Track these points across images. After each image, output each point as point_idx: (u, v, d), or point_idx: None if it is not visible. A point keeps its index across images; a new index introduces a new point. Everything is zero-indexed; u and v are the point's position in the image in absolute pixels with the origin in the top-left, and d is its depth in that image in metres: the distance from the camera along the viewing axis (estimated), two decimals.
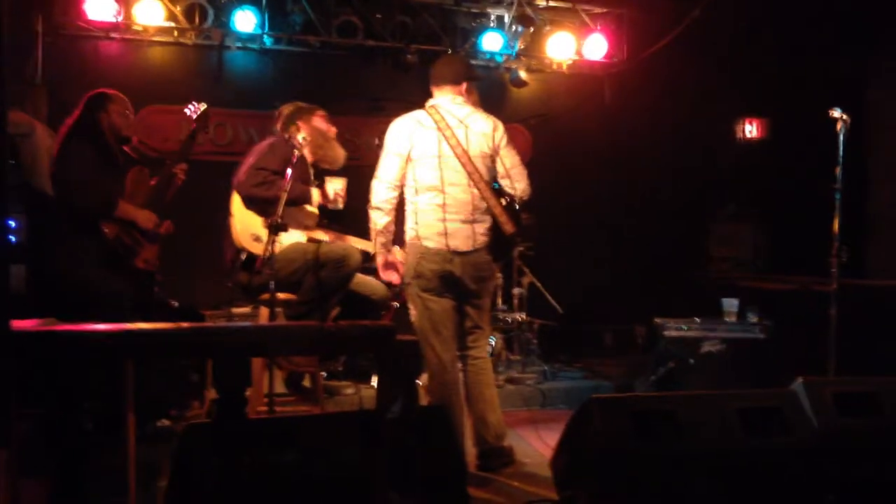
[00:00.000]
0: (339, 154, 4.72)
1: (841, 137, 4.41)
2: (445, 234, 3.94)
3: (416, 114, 4.07)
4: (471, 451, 4.02)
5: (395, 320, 5.35)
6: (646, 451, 2.89)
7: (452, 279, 3.97)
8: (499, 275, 5.46)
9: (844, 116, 4.40)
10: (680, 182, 7.66)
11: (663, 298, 6.40)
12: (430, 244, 3.95)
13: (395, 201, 4.01)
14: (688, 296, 6.51)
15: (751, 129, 8.31)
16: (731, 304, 5.57)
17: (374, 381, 5.30)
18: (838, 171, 4.46)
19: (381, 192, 4.00)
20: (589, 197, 7.69)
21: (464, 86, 4.14)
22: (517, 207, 4.09)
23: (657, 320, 5.52)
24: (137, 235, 4.22)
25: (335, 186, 4.55)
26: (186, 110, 4.63)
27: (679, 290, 6.86)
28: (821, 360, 4.44)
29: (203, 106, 4.60)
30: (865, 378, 3.35)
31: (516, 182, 4.11)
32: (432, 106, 4.08)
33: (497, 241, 4.06)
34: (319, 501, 2.39)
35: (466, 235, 3.97)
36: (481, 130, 4.06)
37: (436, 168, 3.95)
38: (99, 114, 4.26)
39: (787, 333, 5.47)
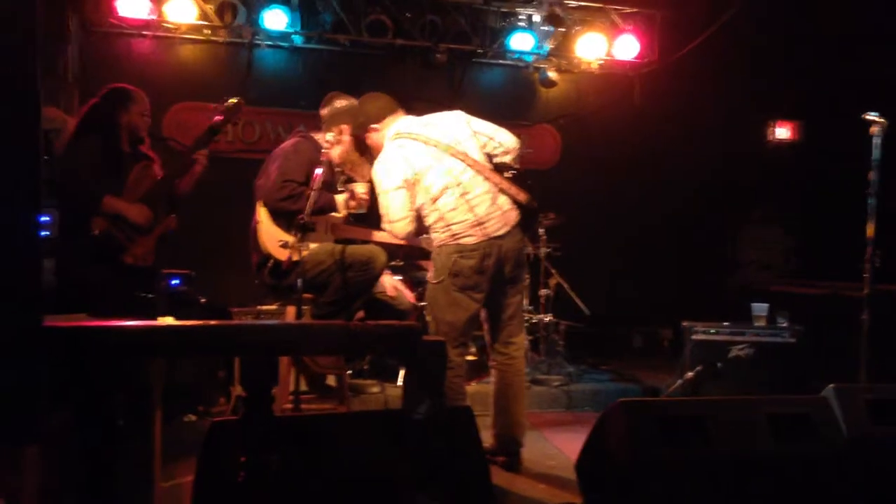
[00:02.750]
0: (369, 172, 4.46)
1: (877, 141, 4.35)
2: (480, 223, 3.92)
3: (390, 147, 4.06)
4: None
5: (420, 320, 5.36)
6: (673, 456, 2.86)
7: (492, 270, 3.94)
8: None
9: (880, 120, 4.34)
10: (710, 184, 7.61)
11: (692, 301, 6.35)
12: (468, 240, 3.92)
13: (418, 228, 4.05)
14: (717, 299, 6.46)
15: (783, 132, 8.23)
16: (760, 308, 5.51)
17: (401, 379, 5.31)
18: (872, 175, 4.39)
19: (401, 230, 4.03)
20: (617, 198, 7.65)
21: (400, 112, 4.19)
22: (525, 177, 4.07)
23: (685, 324, 5.48)
24: (129, 231, 4.09)
25: (359, 191, 4.46)
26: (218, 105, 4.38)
27: (708, 293, 6.81)
28: (852, 366, 4.38)
29: (234, 100, 4.33)
30: None
31: (499, 137, 4.10)
32: (395, 135, 4.07)
33: (522, 222, 4.05)
34: (344, 501, 2.39)
35: (498, 216, 3.95)
36: (447, 122, 4.08)
37: (440, 167, 3.94)
38: (119, 111, 4.19)
39: (818, 338, 5.41)
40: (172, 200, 4.38)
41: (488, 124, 4.14)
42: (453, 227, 3.94)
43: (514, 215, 4.00)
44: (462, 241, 3.93)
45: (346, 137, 4.44)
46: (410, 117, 4.16)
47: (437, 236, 4.02)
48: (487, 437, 4.07)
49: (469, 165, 3.95)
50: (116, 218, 4.05)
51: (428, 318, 4.08)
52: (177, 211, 4.35)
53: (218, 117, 4.31)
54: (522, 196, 4.00)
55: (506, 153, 4.10)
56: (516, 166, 4.11)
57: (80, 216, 4.03)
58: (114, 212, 4.05)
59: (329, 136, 4.37)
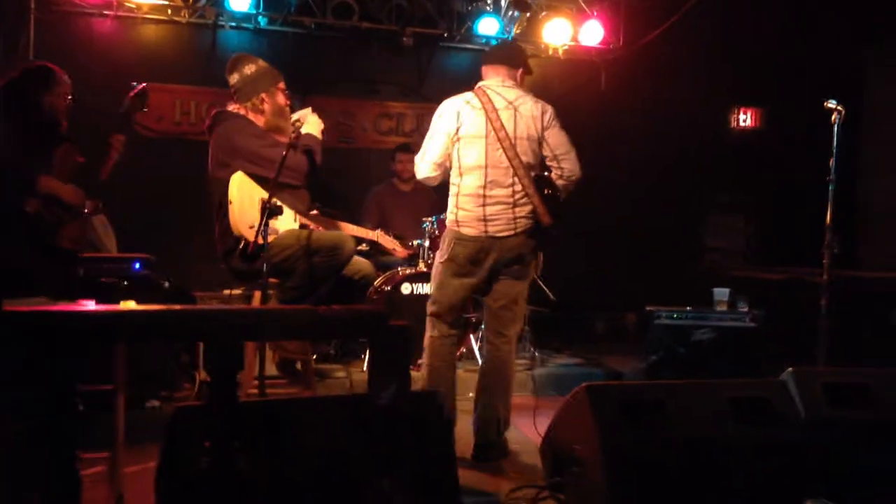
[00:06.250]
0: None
1: (836, 129, 4.42)
2: (485, 219, 3.90)
3: (465, 95, 4.02)
4: (469, 439, 4.04)
5: (386, 305, 5.36)
6: (635, 439, 2.90)
7: (486, 263, 3.94)
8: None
9: (840, 108, 4.41)
10: (674, 170, 7.66)
11: (655, 287, 6.41)
12: (468, 231, 3.92)
13: (438, 179, 4.08)
14: (680, 284, 6.53)
15: (745, 119, 8.32)
16: (722, 293, 5.58)
17: (366, 364, 5.30)
18: (832, 162, 4.46)
19: (423, 170, 4.05)
20: (582, 184, 7.66)
21: (520, 71, 4.12)
22: (560, 199, 4.00)
23: (648, 308, 5.53)
24: (60, 212, 3.93)
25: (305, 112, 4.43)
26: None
27: (671, 278, 6.87)
28: (811, 351, 4.46)
29: (141, 85, 4.18)
30: (857, 369, 3.36)
31: (563, 163, 4.00)
32: (480, 87, 4.03)
33: (535, 230, 4.00)
34: (310, 485, 2.39)
35: (507, 219, 3.91)
36: (529, 113, 3.99)
37: (481, 148, 3.91)
38: (42, 92, 4.01)
39: (778, 323, 5.49)
40: (89, 187, 4.13)
41: (564, 142, 4.02)
42: (459, 212, 3.95)
43: (525, 223, 3.95)
44: (462, 229, 3.94)
45: (267, 106, 4.37)
46: (509, 84, 4.05)
47: (448, 215, 4.04)
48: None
49: (509, 164, 3.90)
50: (48, 199, 3.89)
51: (431, 292, 4.14)
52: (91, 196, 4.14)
53: (126, 104, 4.15)
54: (546, 218, 3.92)
55: (559, 178, 4.02)
56: (559, 194, 4.01)
57: (12, 199, 3.85)
58: (49, 192, 3.89)
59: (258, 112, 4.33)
